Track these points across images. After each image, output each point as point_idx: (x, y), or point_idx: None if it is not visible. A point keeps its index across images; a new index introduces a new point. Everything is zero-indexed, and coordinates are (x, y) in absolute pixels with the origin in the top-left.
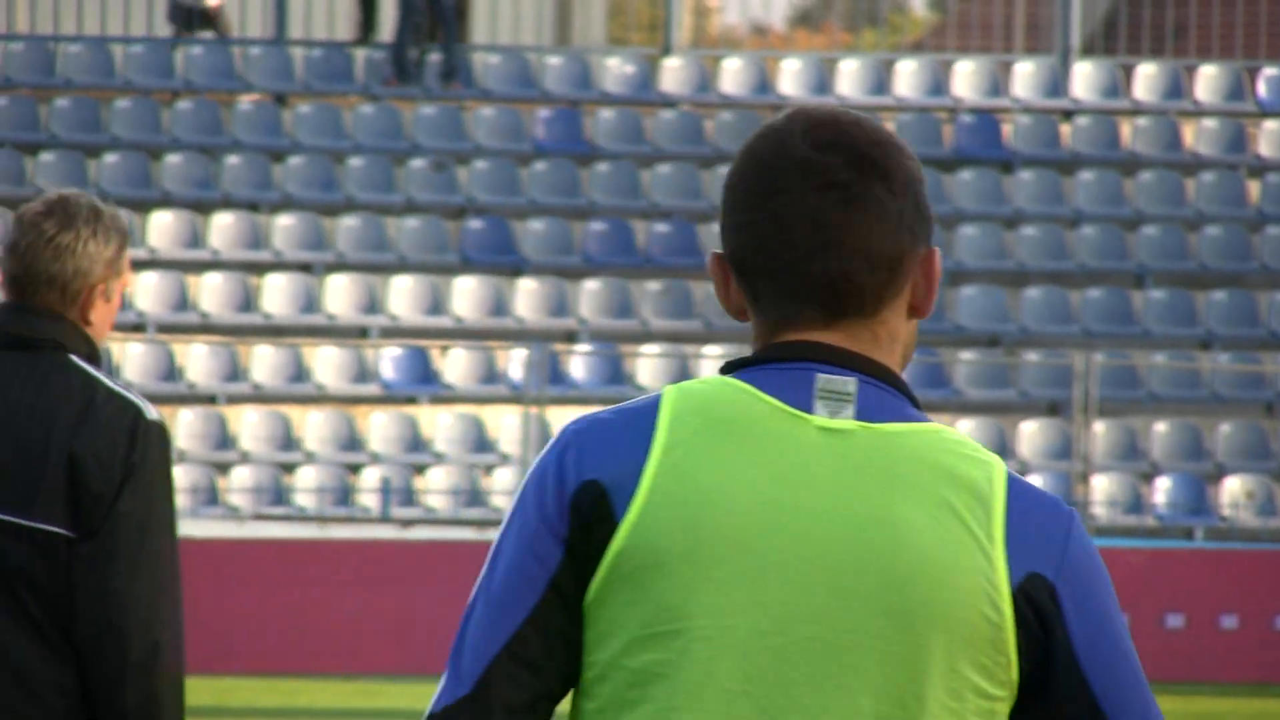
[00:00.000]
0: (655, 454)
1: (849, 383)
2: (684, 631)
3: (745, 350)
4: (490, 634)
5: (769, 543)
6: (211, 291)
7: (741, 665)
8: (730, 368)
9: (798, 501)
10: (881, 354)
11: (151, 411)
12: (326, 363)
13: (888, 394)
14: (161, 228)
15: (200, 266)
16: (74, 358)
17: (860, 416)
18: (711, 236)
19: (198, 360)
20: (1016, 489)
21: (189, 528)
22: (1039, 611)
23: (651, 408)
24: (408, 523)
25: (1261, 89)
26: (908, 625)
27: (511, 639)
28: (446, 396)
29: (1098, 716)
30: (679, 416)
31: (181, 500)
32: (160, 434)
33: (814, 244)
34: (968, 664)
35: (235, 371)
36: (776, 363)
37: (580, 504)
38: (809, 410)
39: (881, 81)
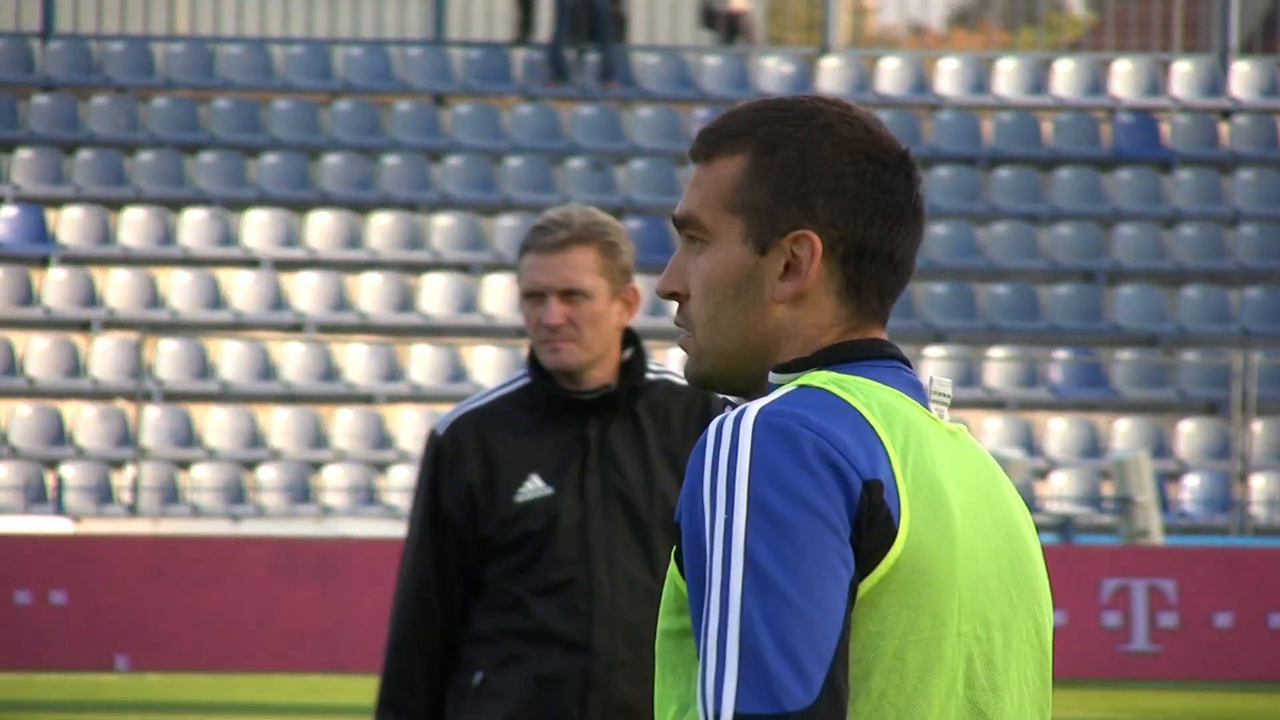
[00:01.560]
0: (895, 457)
1: (948, 383)
2: (942, 638)
3: (904, 348)
4: (820, 634)
5: (977, 551)
6: (370, 292)
7: (967, 672)
8: (828, 361)
9: (978, 509)
10: None
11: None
12: (485, 363)
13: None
14: (320, 228)
15: (359, 267)
16: None
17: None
18: None
19: (356, 360)
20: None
21: (349, 527)
22: None
23: (846, 404)
24: None
25: None
26: (1041, 632)
27: (839, 641)
28: None
29: None
30: (880, 418)
31: (340, 499)
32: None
33: (916, 244)
34: (1049, 668)
35: (393, 371)
36: (874, 360)
37: (864, 503)
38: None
39: (1039, 81)
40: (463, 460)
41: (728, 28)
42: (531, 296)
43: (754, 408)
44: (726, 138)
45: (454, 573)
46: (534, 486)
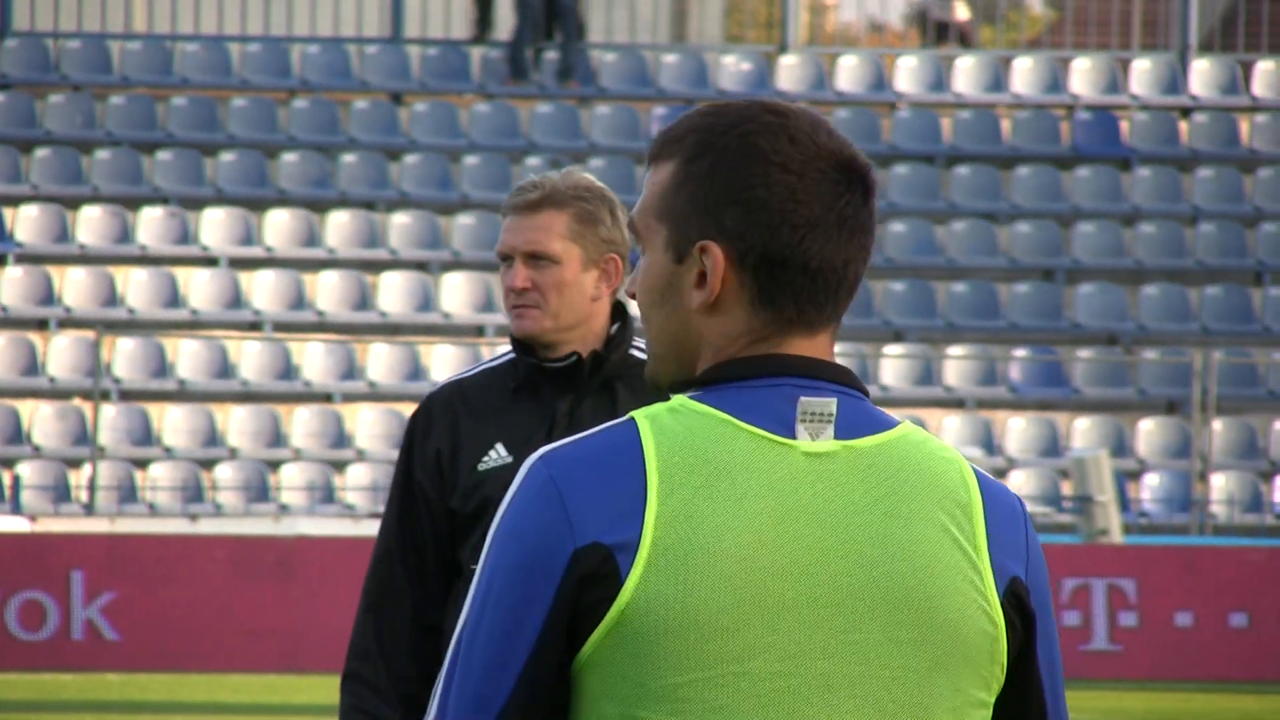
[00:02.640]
0: (652, 511)
1: (830, 404)
2: (699, 682)
3: (862, 347)
4: (489, 690)
5: (777, 585)
6: (328, 290)
7: (758, 709)
8: (697, 385)
9: (799, 538)
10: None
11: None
12: (443, 361)
13: (860, 402)
14: (278, 226)
15: (317, 265)
16: None
17: (839, 435)
18: None
19: (314, 359)
20: (985, 487)
21: (307, 526)
22: (1022, 615)
23: (632, 444)
24: None
25: None
26: (914, 652)
27: (508, 700)
28: None
29: (1043, 710)
30: (665, 457)
31: (298, 498)
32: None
33: (855, 251)
34: (971, 680)
35: (352, 370)
36: (754, 380)
37: (577, 566)
38: (792, 435)
39: (999, 79)
40: (433, 430)
41: (948, 36)
42: (503, 260)
43: (544, 449)
44: (666, 144)
45: (424, 545)
46: (496, 455)
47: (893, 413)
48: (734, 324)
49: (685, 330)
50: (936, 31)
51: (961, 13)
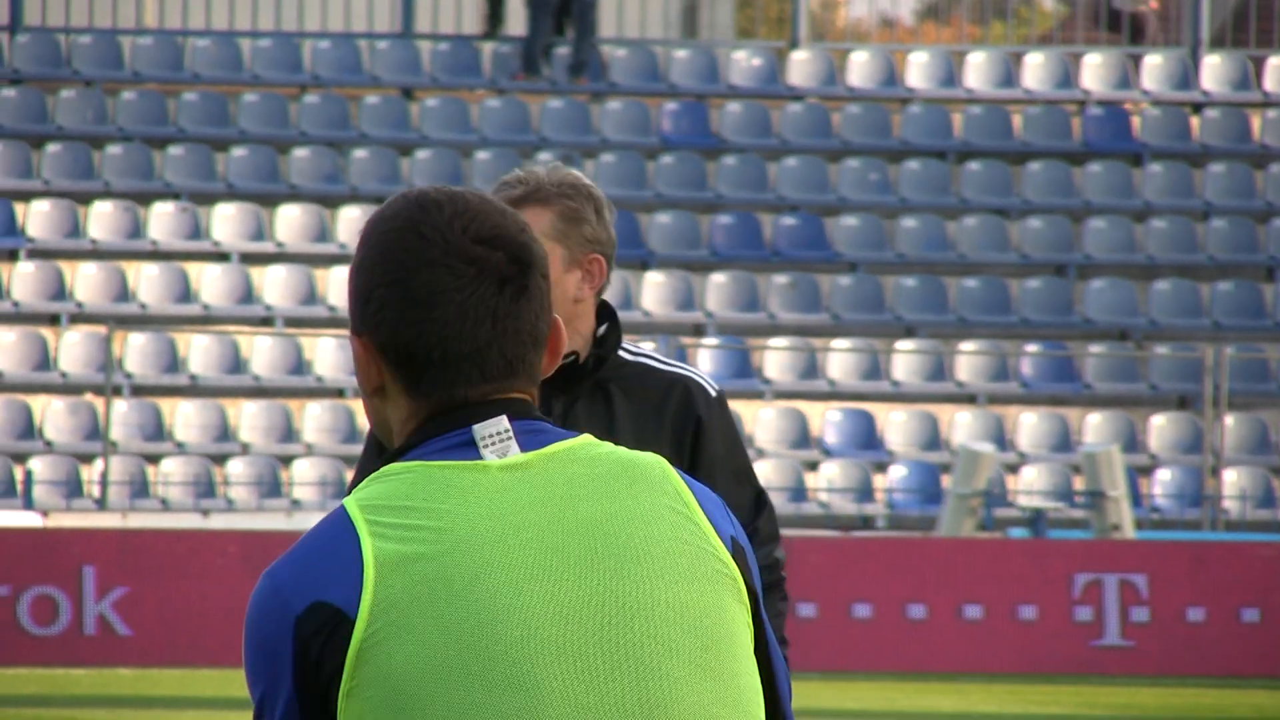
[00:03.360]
0: (370, 571)
1: (500, 421)
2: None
3: (874, 342)
4: None
5: (498, 584)
6: (339, 285)
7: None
8: (402, 451)
9: (507, 538)
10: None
11: None
12: None
13: (537, 423)
14: (289, 221)
15: (328, 260)
16: None
17: (525, 449)
18: (839, 230)
19: (325, 354)
20: (685, 478)
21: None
22: (746, 572)
23: (341, 520)
24: None
25: None
26: (640, 609)
27: None
28: None
29: (771, 663)
30: (373, 517)
31: (310, 494)
32: None
33: (494, 334)
34: (731, 599)
35: None
36: (433, 440)
37: (302, 627)
38: (481, 458)
39: (1010, 74)
40: None
41: (1128, 26)
42: None
43: (271, 566)
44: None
45: None
46: None
47: (904, 408)
48: (401, 408)
49: (377, 415)
50: (1108, 23)
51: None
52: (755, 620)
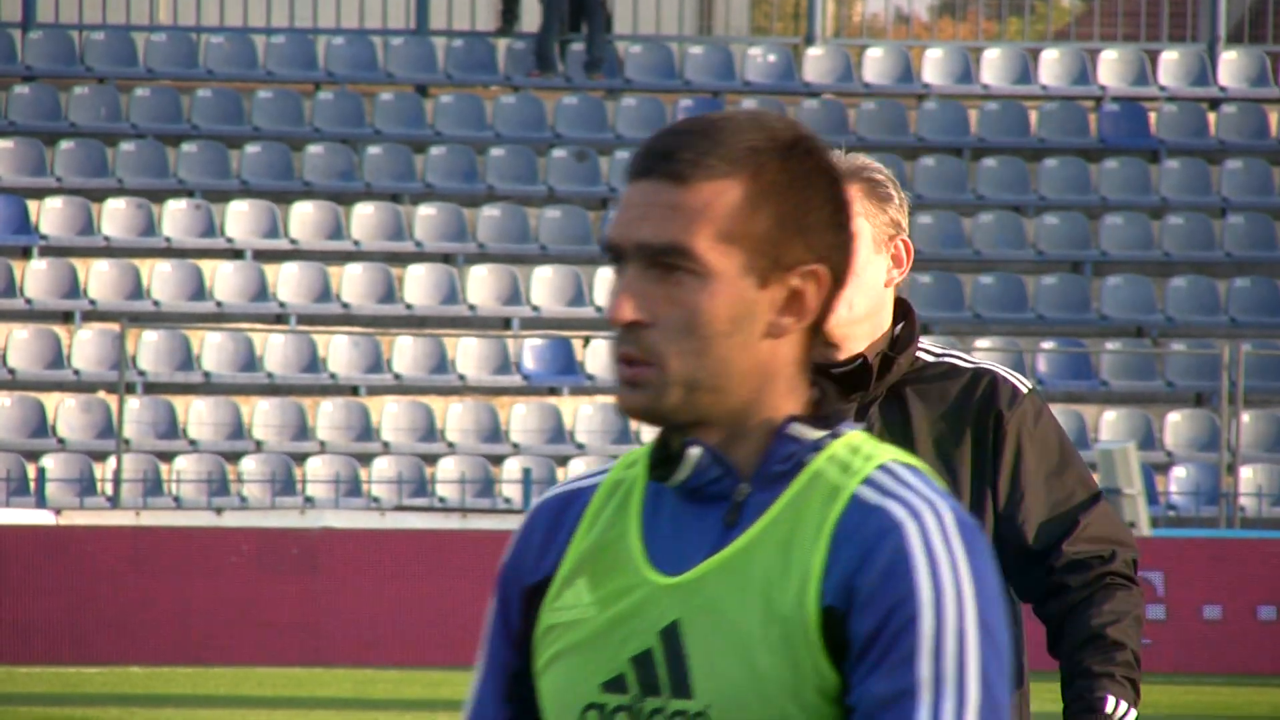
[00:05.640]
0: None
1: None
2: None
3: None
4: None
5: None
6: (353, 282)
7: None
8: (819, 425)
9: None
10: None
11: None
12: (468, 354)
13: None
14: (303, 218)
15: (342, 257)
16: None
17: None
18: None
19: (339, 351)
20: None
21: (331, 519)
22: None
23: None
24: None
25: None
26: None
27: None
28: (588, 388)
29: None
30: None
31: (323, 491)
32: None
33: None
34: None
35: (377, 362)
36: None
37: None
38: None
39: (1026, 70)
40: None
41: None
42: None
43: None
44: (712, 160)
45: None
46: None
47: None
48: (800, 349)
49: (755, 361)
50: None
51: None
52: None
